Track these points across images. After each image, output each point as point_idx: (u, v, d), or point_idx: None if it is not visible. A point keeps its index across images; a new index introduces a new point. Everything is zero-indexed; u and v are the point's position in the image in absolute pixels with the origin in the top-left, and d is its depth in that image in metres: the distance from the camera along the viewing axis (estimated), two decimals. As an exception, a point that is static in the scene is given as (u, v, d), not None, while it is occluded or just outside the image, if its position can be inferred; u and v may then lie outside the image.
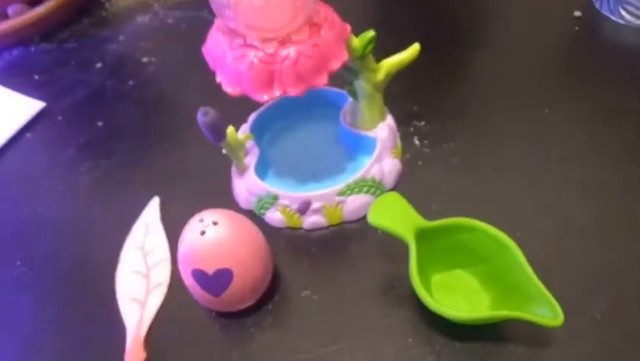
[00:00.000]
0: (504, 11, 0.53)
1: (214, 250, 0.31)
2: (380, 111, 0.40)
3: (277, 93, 0.32)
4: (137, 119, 0.50)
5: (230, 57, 0.32)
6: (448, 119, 0.44)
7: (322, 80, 0.32)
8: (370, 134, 0.40)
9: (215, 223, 0.31)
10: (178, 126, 0.48)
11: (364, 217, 0.38)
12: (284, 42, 0.31)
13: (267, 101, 0.32)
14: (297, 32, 0.31)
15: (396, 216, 0.32)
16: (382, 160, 0.39)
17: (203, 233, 0.31)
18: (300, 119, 0.44)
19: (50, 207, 0.44)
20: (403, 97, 0.44)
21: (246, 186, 0.39)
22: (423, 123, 0.44)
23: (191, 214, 0.39)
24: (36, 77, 0.55)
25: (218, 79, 0.33)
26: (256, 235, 0.33)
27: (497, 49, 0.50)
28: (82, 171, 0.46)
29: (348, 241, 0.38)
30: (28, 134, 0.50)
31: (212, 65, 0.34)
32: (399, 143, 0.41)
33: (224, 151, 0.39)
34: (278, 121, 0.44)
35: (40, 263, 0.40)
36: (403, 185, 0.40)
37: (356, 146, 0.41)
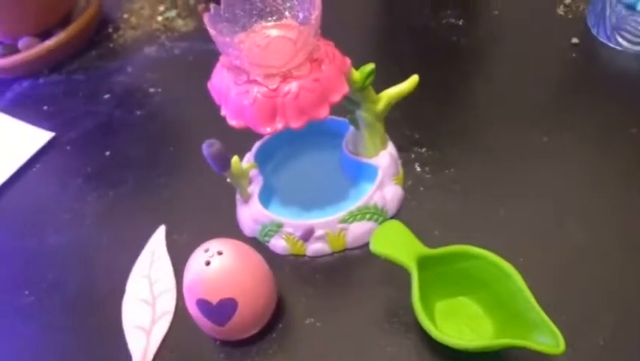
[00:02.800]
0: (504, 37, 0.55)
1: (218, 280, 0.31)
2: (381, 139, 0.41)
3: (279, 126, 0.33)
4: (144, 148, 0.51)
5: (234, 92, 0.33)
6: (449, 145, 0.45)
7: (323, 113, 0.33)
8: (372, 161, 0.40)
9: (220, 253, 0.32)
10: (184, 156, 0.49)
11: (367, 244, 0.39)
12: (286, 77, 0.32)
13: (270, 133, 0.33)
14: (299, 68, 0.32)
15: (397, 244, 0.32)
16: (384, 187, 0.40)
17: (208, 263, 0.31)
18: (303, 147, 0.45)
19: (58, 236, 0.44)
20: (404, 124, 0.45)
21: (250, 214, 0.40)
22: (424, 150, 0.44)
23: (197, 243, 0.40)
24: (45, 107, 0.57)
25: (223, 112, 0.34)
26: (260, 264, 0.34)
27: (497, 76, 0.51)
28: (89, 201, 0.47)
29: (351, 268, 0.39)
30: (37, 165, 0.51)
31: (217, 99, 0.35)
32: (400, 170, 0.42)
33: (228, 180, 0.40)
34: (281, 149, 0.45)
35: (47, 292, 0.41)
36: (404, 211, 0.41)
37: (358, 173, 0.42)
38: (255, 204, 0.40)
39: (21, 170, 0.50)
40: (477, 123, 0.46)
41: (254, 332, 0.34)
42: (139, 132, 0.52)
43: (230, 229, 0.42)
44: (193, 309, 0.33)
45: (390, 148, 0.42)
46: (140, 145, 0.51)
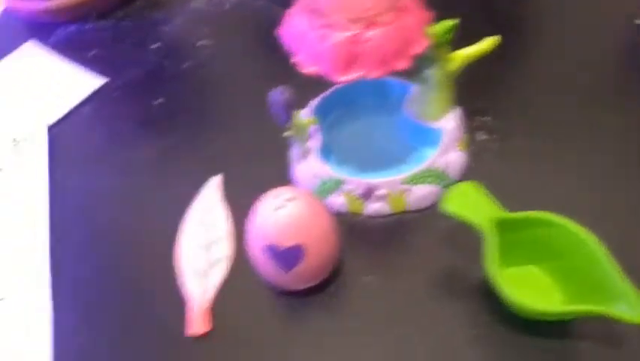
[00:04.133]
0: (573, 11, 0.52)
1: (289, 226, 0.31)
2: (448, 102, 0.39)
3: (356, 75, 0.32)
4: (194, 99, 0.50)
5: (312, 36, 0.32)
6: (515, 115, 0.43)
7: (403, 64, 0.32)
8: (436, 125, 0.39)
9: (291, 200, 0.31)
10: (234, 109, 0.48)
11: (426, 208, 0.38)
12: (369, 24, 0.31)
13: (343, 83, 0.32)
14: (383, 15, 0.31)
15: (473, 206, 0.31)
16: (448, 152, 0.39)
17: (279, 209, 0.31)
18: (358, 108, 0.44)
19: (110, 179, 0.44)
20: (467, 91, 0.44)
21: (310, 169, 0.39)
22: (488, 118, 0.43)
23: (250, 194, 0.39)
24: (92, 53, 0.56)
25: (295, 58, 0.33)
26: (327, 215, 0.33)
27: (567, 52, 0.49)
28: (141, 147, 0.46)
29: (409, 230, 0.38)
30: (87, 108, 0.50)
31: (289, 44, 0.33)
32: (464, 136, 0.41)
33: (286, 134, 0.39)
34: (337, 109, 0.44)
35: (100, 233, 0.41)
36: (466, 178, 0.40)
37: (419, 136, 0.41)
38: (315, 159, 0.39)
39: (71, 113, 0.50)
40: (542, 96, 0.45)
41: (315, 282, 0.34)
42: (188, 83, 0.51)
43: (283, 182, 0.41)
44: (259, 255, 0.32)
45: (456, 112, 0.40)
46: (190, 96, 0.50)
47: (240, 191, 0.41)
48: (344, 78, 0.32)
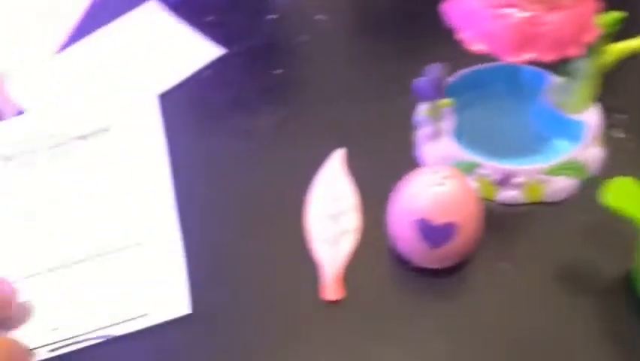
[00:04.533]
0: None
1: (446, 203, 0.31)
2: (592, 95, 0.39)
3: (527, 56, 0.31)
4: (313, 72, 0.50)
5: (485, 14, 0.31)
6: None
7: (575, 50, 0.32)
8: (578, 117, 0.39)
9: (448, 178, 0.31)
10: (357, 84, 0.48)
11: (562, 200, 0.38)
12: (551, 7, 0.30)
13: (514, 63, 0.32)
14: (564, -1, 0.30)
15: (634, 201, 0.31)
16: (589, 146, 0.38)
17: (436, 185, 0.31)
18: (490, 92, 0.43)
19: (231, 146, 0.45)
20: (605, 87, 0.43)
21: (441, 150, 0.39)
22: (625, 116, 0.42)
23: (374, 170, 0.40)
24: (209, 19, 0.56)
25: (462, 35, 0.33)
26: (477, 197, 0.33)
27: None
28: (261, 116, 0.47)
29: (544, 221, 0.37)
30: (204, 73, 0.51)
31: (456, 20, 0.33)
32: (602, 132, 0.40)
33: (421, 114, 0.39)
34: (469, 91, 0.43)
35: (225, 198, 0.41)
36: (605, 175, 0.39)
37: (553, 127, 0.40)
38: (449, 141, 0.39)
39: (188, 78, 0.50)
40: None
41: (456, 262, 0.34)
42: (306, 56, 0.52)
43: (408, 160, 0.41)
44: (404, 228, 0.32)
45: (597, 107, 0.40)
46: (309, 69, 0.50)
47: (364, 166, 0.42)
48: (515, 59, 0.31)
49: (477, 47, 0.32)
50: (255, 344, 0.34)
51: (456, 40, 0.34)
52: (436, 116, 0.39)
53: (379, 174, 0.41)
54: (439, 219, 0.31)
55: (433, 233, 0.31)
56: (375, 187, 0.39)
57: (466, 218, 0.32)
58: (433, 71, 0.34)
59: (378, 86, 0.47)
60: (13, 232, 0.40)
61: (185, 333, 0.34)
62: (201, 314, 0.35)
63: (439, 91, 0.35)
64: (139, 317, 0.35)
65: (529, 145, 0.40)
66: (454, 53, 0.35)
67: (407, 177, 0.33)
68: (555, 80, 0.40)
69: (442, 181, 0.31)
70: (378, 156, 0.42)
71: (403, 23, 0.53)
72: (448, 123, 0.40)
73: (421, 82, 0.36)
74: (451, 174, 0.32)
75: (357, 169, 0.41)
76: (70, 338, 0.34)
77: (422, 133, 0.41)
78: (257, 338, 0.34)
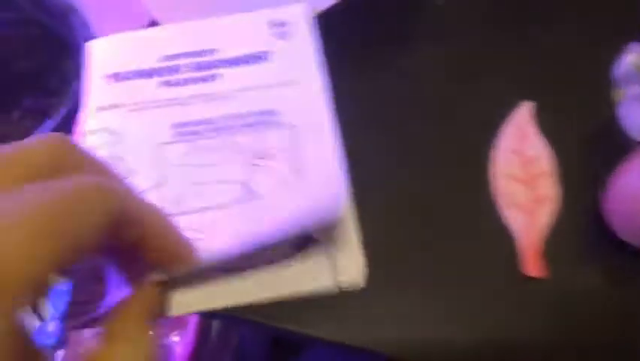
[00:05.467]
0: None
1: None
2: None
3: None
4: (489, 7, 0.44)
5: None
6: None
7: None
8: None
9: None
10: (546, 21, 0.42)
11: None
12: None
13: None
14: None
15: None
16: None
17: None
18: None
19: (395, 84, 0.40)
20: None
21: (657, 115, 0.34)
22: None
23: (570, 126, 0.36)
24: None
25: None
26: None
27: None
28: (426, 53, 0.41)
29: None
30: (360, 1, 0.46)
31: None
32: None
33: (629, 67, 0.34)
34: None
35: (394, 145, 0.38)
36: None
37: None
38: (670, 104, 0.34)
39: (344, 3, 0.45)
40: None
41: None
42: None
43: (606, 122, 0.37)
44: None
45: None
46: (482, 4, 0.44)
47: (556, 125, 0.37)
48: None
49: None
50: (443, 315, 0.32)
51: None
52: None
53: (572, 135, 0.36)
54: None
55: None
56: (571, 150, 0.35)
57: None
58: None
59: (573, 27, 0.41)
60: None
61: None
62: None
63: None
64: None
65: None
66: None
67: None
68: None
69: None
70: (571, 114, 0.37)
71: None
72: (669, 83, 0.34)
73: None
74: None
75: (548, 128, 0.37)
76: None
77: (630, 92, 0.36)
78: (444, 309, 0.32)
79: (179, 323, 0.67)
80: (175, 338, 0.66)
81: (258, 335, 0.76)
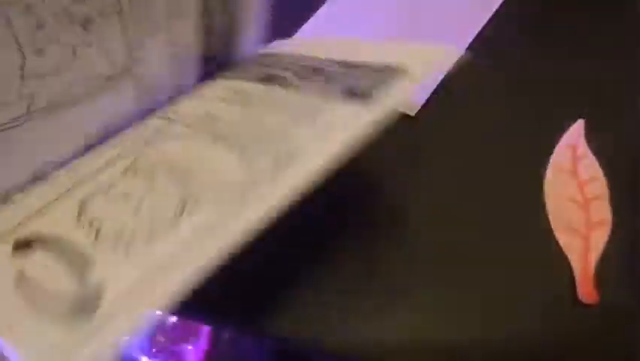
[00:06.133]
0: None
1: None
2: None
3: None
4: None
5: None
6: None
7: None
8: None
9: None
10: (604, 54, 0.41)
11: None
12: None
13: None
14: None
15: None
16: None
17: None
18: None
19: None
20: None
21: None
22: None
23: (621, 149, 0.34)
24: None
25: None
26: None
27: None
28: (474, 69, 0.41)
29: None
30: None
31: None
32: None
33: None
34: None
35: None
36: None
37: None
38: None
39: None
40: None
41: None
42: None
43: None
44: None
45: None
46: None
47: (607, 145, 0.36)
48: None
49: None
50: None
51: None
52: None
53: (626, 156, 0.35)
54: None
55: None
56: (622, 171, 0.34)
57: None
58: None
59: (625, 46, 0.40)
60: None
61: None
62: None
63: None
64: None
65: None
66: None
67: None
68: None
69: None
70: (623, 134, 0.36)
71: None
72: None
73: None
74: None
75: (604, 146, 0.36)
76: None
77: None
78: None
79: (191, 331, 0.66)
80: (188, 347, 0.64)
81: (265, 345, 0.74)
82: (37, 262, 0.21)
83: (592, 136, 0.36)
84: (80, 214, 0.23)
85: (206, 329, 0.68)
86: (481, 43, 0.43)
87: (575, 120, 0.37)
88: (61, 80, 0.24)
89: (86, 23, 0.24)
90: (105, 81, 0.26)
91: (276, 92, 0.28)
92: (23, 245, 0.22)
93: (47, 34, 0.23)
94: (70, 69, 0.24)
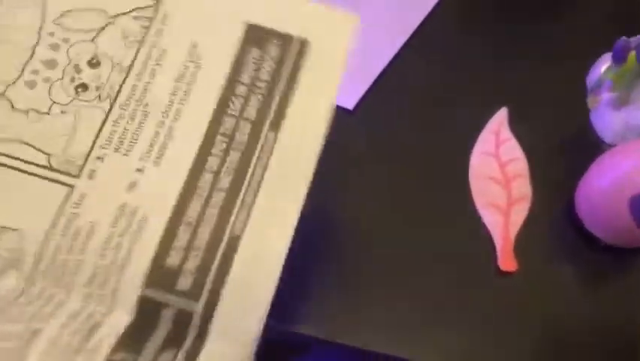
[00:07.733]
0: None
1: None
2: None
3: None
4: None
5: None
6: None
7: None
8: None
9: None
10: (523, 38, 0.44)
11: None
12: None
13: None
14: None
15: None
16: None
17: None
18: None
19: (386, 99, 0.42)
20: None
21: (627, 120, 0.36)
22: None
23: (543, 133, 0.37)
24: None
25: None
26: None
27: None
28: (415, 70, 0.43)
29: None
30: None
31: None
32: None
33: (603, 77, 0.36)
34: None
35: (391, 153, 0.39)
36: None
37: None
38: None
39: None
40: None
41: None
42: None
43: (573, 128, 0.38)
44: (607, 202, 0.30)
45: None
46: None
47: (531, 130, 0.39)
48: None
49: None
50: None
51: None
52: (623, 82, 0.36)
53: (547, 139, 0.38)
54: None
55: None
56: (543, 153, 0.37)
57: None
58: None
59: (549, 41, 0.43)
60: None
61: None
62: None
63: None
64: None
65: None
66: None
67: (617, 148, 0.30)
68: None
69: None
70: (544, 120, 0.39)
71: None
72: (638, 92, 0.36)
73: (621, 42, 0.33)
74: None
75: (525, 131, 0.38)
76: None
77: (603, 99, 0.38)
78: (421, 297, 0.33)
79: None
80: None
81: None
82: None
83: (515, 122, 0.39)
84: None
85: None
86: (418, 39, 0.45)
87: (500, 107, 0.40)
88: None
89: None
90: None
91: None
92: None
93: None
94: None
